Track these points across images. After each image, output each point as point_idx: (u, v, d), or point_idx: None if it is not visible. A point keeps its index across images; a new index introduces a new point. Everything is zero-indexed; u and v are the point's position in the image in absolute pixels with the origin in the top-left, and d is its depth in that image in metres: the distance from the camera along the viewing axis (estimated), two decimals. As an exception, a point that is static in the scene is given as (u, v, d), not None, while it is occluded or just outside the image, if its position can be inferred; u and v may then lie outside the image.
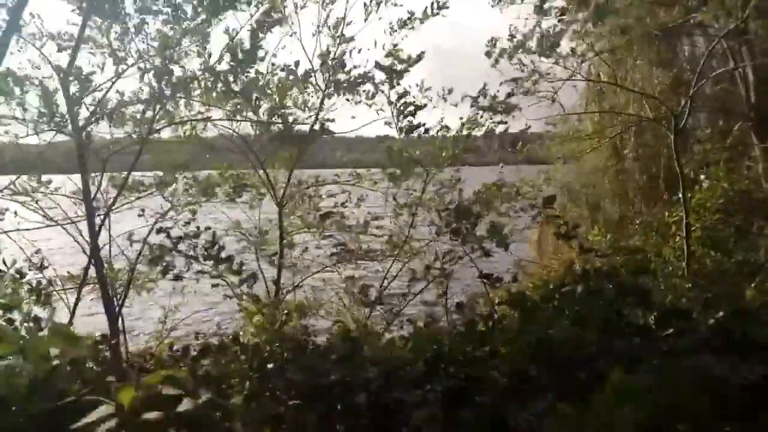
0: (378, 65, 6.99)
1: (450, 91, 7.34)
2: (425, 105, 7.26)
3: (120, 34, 6.23)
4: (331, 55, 6.98)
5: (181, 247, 6.08)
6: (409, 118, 7.29)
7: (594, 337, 2.90)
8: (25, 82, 6.13)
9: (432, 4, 6.78)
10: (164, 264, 6.08)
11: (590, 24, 7.86)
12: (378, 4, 6.77)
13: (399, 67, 6.99)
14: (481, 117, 7.55)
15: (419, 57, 7.00)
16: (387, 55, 6.94)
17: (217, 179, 7.82)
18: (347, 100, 7.21)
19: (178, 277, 6.13)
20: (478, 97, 7.45)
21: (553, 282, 3.44)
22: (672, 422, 2.14)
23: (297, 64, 6.95)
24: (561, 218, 3.78)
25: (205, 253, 5.93)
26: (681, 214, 6.63)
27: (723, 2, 6.54)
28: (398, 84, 7.08)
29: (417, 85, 7.20)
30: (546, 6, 7.91)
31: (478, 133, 7.67)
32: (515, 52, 7.80)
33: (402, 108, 7.26)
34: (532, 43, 7.76)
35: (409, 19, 6.82)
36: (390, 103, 7.22)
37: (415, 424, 2.52)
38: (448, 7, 6.81)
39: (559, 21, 7.74)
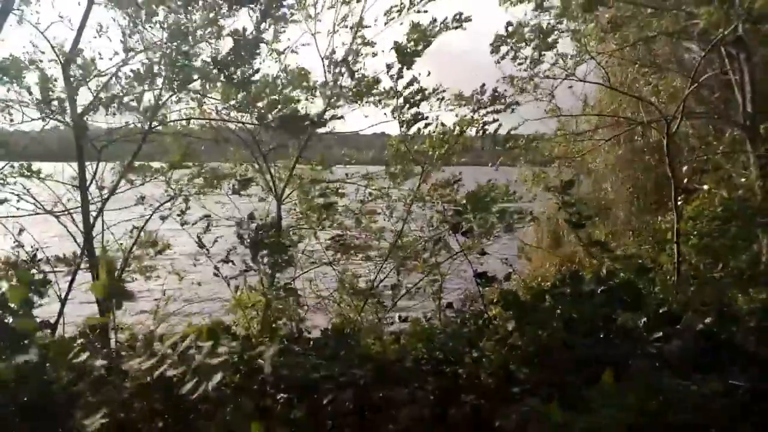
0: (395, 45, 6.99)
1: (460, 94, 7.42)
2: (436, 89, 7.29)
3: (130, 20, 6.16)
4: (347, 57, 7.02)
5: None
6: (415, 108, 7.31)
7: (584, 339, 2.90)
8: (25, 66, 6.05)
9: (455, 16, 6.83)
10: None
11: (579, 18, 7.85)
12: (399, 12, 6.82)
13: (412, 48, 7.00)
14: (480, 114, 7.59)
15: (429, 42, 7.05)
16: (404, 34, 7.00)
17: (226, 170, 7.84)
18: (357, 99, 7.23)
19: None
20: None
21: (545, 282, 3.43)
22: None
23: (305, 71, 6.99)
24: (575, 205, 3.65)
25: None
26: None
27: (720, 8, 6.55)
28: (409, 69, 7.10)
29: (419, 74, 7.23)
30: (546, 4, 7.85)
31: (473, 132, 7.71)
32: (516, 44, 7.78)
33: (410, 96, 7.26)
34: (530, 35, 7.74)
35: (429, 25, 6.86)
36: (396, 93, 7.23)
37: (403, 422, 2.51)
38: (470, 20, 6.86)
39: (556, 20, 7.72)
